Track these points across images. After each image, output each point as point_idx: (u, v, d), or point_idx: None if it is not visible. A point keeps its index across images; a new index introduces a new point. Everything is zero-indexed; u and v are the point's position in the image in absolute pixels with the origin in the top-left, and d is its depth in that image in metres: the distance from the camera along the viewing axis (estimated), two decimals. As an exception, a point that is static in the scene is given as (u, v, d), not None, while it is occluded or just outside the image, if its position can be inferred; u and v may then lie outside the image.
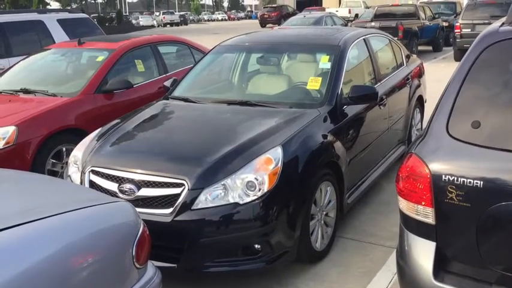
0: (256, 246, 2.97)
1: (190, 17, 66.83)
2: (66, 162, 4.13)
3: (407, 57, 5.62)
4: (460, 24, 13.32)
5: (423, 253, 2.17)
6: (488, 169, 2.03)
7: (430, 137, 2.20)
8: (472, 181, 2.02)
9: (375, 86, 4.23)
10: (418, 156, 2.16)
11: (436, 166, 2.11)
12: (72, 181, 3.36)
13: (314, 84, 3.98)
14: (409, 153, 2.22)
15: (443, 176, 2.08)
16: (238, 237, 2.93)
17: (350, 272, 3.29)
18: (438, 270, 2.13)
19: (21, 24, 7.59)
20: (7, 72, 5.64)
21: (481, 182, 2.00)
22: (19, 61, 5.85)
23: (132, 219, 2.09)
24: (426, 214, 2.15)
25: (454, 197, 2.06)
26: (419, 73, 5.76)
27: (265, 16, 37.38)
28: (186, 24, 55.23)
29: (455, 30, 13.48)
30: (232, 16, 79.04)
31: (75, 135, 4.43)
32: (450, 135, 2.13)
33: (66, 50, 5.90)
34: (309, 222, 3.20)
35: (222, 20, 72.39)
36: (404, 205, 2.25)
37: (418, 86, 5.52)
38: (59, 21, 7.95)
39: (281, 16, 34.63)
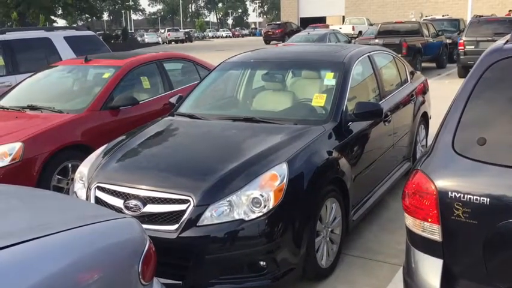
0: (261, 263, 2.96)
1: (195, 34, 67.39)
2: (72, 178, 4.15)
3: (412, 73, 5.64)
4: (464, 41, 13.39)
5: (430, 270, 2.16)
6: (495, 186, 2.03)
7: (436, 153, 2.20)
8: (478, 198, 2.01)
9: (380, 103, 4.25)
10: (424, 173, 2.16)
11: (443, 183, 2.10)
12: (78, 197, 3.36)
13: (319, 100, 4.00)
14: (415, 170, 2.22)
15: (450, 192, 2.07)
16: (244, 254, 2.92)
17: (356, 290, 3.26)
18: (445, 287, 2.11)
19: (28, 41, 7.68)
20: (14, 89, 5.70)
21: (488, 199, 2.00)
22: (26, 78, 5.91)
23: (139, 235, 2.09)
24: (432, 231, 2.14)
25: (461, 214, 2.05)
26: (424, 90, 5.78)
27: (269, 33, 37.65)
28: (191, 41, 55.70)
29: (459, 47, 13.54)
30: (236, 33, 79.71)
31: (81, 151, 4.45)
32: (456, 152, 2.13)
33: (72, 67, 5.96)
34: (314, 239, 3.19)
35: (226, 37, 72.99)
36: (410, 222, 2.24)
37: (423, 102, 5.54)
38: (66, 38, 8.04)
39: (285, 33, 34.87)
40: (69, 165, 4.54)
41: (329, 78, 4.11)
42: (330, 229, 3.41)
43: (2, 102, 5.40)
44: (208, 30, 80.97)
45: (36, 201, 2.35)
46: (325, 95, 4.00)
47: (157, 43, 49.23)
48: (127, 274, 1.95)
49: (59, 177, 4.50)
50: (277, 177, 3.03)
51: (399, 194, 4.62)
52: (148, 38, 52.62)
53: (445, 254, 2.13)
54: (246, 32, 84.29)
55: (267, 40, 36.60)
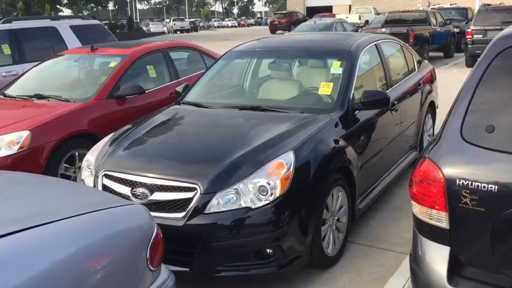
0: (268, 250, 2.97)
1: (201, 24, 67.19)
2: (79, 166, 4.17)
3: (419, 62, 5.61)
4: (472, 30, 13.26)
5: (437, 258, 2.16)
6: (503, 173, 2.02)
7: (444, 141, 2.19)
8: (486, 185, 2.01)
9: (387, 92, 4.22)
10: (431, 160, 2.16)
11: (450, 170, 2.10)
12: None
13: (325, 89, 3.99)
14: (423, 158, 2.21)
15: (457, 180, 2.07)
16: (250, 241, 2.93)
17: (362, 278, 3.27)
18: (452, 275, 2.12)
19: (34, 30, 7.68)
20: (21, 78, 5.71)
21: (496, 187, 1.99)
22: (33, 67, 5.92)
23: (146, 221, 2.10)
24: (440, 218, 2.14)
25: (468, 202, 2.05)
26: (431, 79, 5.75)
27: (275, 22, 37.43)
28: (196, 30, 55.55)
29: (467, 36, 13.42)
30: (242, 22, 79.33)
31: (88, 140, 4.47)
32: (464, 140, 2.12)
33: (79, 56, 5.96)
34: (320, 227, 3.20)
35: (232, 26, 72.66)
36: (417, 209, 2.24)
37: (430, 91, 5.51)
38: (72, 27, 8.04)
39: (291, 22, 34.67)
40: (76, 153, 4.56)
41: (336, 67, 4.09)
42: (336, 217, 3.42)
43: (9, 91, 5.42)
44: (213, 19, 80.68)
45: (44, 188, 2.36)
46: (331, 84, 3.98)
47: (162, 33, 49.13)
48: (135, 260, 1.96)
49: (66, 165, 4.52)
50: (284, 166, 3.03)
51: (406, 183, 4.61)
52: (154, 27, 52.51)
53: (452, 241, 2.13)
54: (252, 21, 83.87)
55: (273, 30, 36.40)
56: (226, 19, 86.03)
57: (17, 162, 4.14)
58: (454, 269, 2.13)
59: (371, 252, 3.59)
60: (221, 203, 2.91)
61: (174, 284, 2.16)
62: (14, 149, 4.17)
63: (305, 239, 3.06)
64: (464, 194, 2.05)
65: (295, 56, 4.64)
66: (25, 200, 2.12)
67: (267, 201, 2.90)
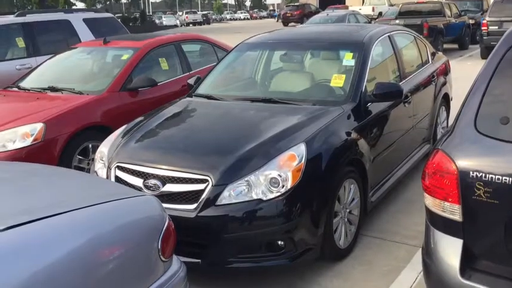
0: (279, 242, 2.97)
1: (213, 17, 67.09)
2: (92, 158, 4.21)
3: (433, 54, 5.54)
4: (487, 21, 13.06)
5: (450, 251, 2.14)
6: None
7: (458, 133, 2.17)
8: (500, 178, 1.98)
9: (400, 84, 4.18)
10: (444, 152, 2.13)
11: (464, 162, 2.07)
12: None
13: (338, 81, 3.96)
14: (436, 149, 2.19)
15: (471, 172, 2.04)
16: (262, 233, 2.93)
17: (374, 270, 3.26)
18: (465, 268, 2.10)
19: (48, 23, 7.72)
20: (35, 71, 5.76)
21: (510, 179, 1.96)
22: (46, 60, 5.97)
23: (158, 212, 2.11)
24: (453, 211, 2.12)
25: (482, 194, 2.02)
26: (445, 71, 5.68)
27: (287, 15, 37.24)
28: (208, 23, 55.50)
29: (482, 28, 13.22)
30: (254, 15, 79.06)
31: (101, 132, 4.49)
32: (478, 131, 2.09)
33: (92, 49, 5.99)
34: (332, 219, 3.19)
35: (244, 19, 72.49)
36: (430, 202, 2.22)
37: (444, 83, 5.44)
38: (85, 20, 8.07)
39: (304, 15, 34.47)
40: (90, 145, 4.60)
41: (348, 59, 4.06)
42: (348, 210, 3.41)
43: (23, 83, 5.47)
44: (226, 12, 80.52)
45: (57, 179, 2.39)
46: (344, 76, 3.95)
47: (175, 26, 49.16)
48: (147, 251, 1.98)
49: (80, 157, 4.56)
50: (296, 158, 3.02)
51: (418, 176, 4.57)
52: (166, 20, 52.54)
53: (465, 234, 2.11)
54: (264, 14, 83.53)
55: (285, 22, 36.22)
56: (239, 12, 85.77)
57: (31, 154, 4.18)
58: (467, 261, 2.11)
59: (383, 245, 3.58)
60: (232, 194, 2.92)
61: (185, 274, 2.18)
62: (28, 141, 4.21)
63: (317, 231, 3.05)
64: (478, 186, 2.03)
65: (307, 48, 4.61)
66: (38, 190, 2.15)
67: (279, 193, 2.90)
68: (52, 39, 7.60)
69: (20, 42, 7.34)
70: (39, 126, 4.28)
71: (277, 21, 49.87)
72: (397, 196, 4.38)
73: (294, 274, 3.20)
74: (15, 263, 1.56)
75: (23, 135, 4.23)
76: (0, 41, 7.32)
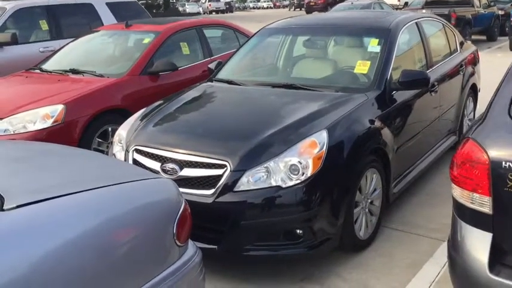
0: (298, 231, 2.90)
1: (236, 5, 66.80)
2: (111, 142, 4.18)
3: (461, 43, 5.36)
4: (518, 12, 12.66)
5: (478, 245, 2.04)
6: None
7: (490, 121, 2.05)
8: (535, 169, 1.87)
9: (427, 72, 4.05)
10: (475, 141, 2.02)
11: (496, 152, 1.96)
12: (116, 159, 3.38)
13: (362, 68, 3.85)
14: (466, 138, 2.08)
15: (504, 162, 1.93)
16: (280, 221, 2.86)
17: (395, 263, 3.17)
18: (494, 263, 2.00)
19: (71, 7, 7.74)
20: (57, 53, 5.77)
21: (546, 171, 1.85)
22: (69, 42, 5.97)
23: (174, 196, 2.06)
24: (482, 203, 2.01)
25: (515, 186, 1.91)
26: (474, 61, 5.49)
27: (311, 3, 36.79)
28: (231, 11, 55.27)
29: (512, 19, 12.83)
30: (277, 4, 78.39)
31: (121, 115, 4.46)
32: (512, 120, 1.98)
33: (113, 32, 5.97)
34: (353, 209, 3.10)
35: (267, 7, 71.94)
36: (458, 193, 2.12)
37: (472, 74, 5.27)
38: (108, 4, 8.07)
39: (328, 3, 34.00)
40: (109, 129, 4.58)
41: (373, 45, 3.94)
42: (369, 200, 3.31)
43: (45, 65, 5.49)
44: (249, 0, 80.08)
45: (74, 159, 2.35)
46: (369, 62, 3.84)
47: (198, 13, 49.06)
48: (162, 234, 1.93)
49: (99, 140, 4.55)
50: (317, 145, 2.94)
51: (442, 169, 4.45)
52: (190, 8, 52.48)
53: (495, 227, 2.00)
54: (287, 2, 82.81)
55: (309, 11, 35.80)
56: (262, 0, 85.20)
57: (52, 136, 4.18)
58: (496, 256, 2.01)
59: (405, 237, 3.48)
60: (251, 181, 2.85)
61: (201, 260, 2.12)
62: (49, 123, 4.21)
63: (336, 221, 2.97)
64: (510, 177, 1.92)
65: (331, 34, 4.49)
66: (54, 169, 2.11)
67: (298, 181, 2.82)
68: (75, 22, 7.61)
69: (44, 25, 7.38)
70: (59, 108, 4.28)
71: (290, 10, 49.27)
72: (420, 188, 4.26)
73: (311, 264, 3.13)
74: (25, 242, 1.52)
75: (43, 116, 4.23)
76: (24, 23, 7.36)
